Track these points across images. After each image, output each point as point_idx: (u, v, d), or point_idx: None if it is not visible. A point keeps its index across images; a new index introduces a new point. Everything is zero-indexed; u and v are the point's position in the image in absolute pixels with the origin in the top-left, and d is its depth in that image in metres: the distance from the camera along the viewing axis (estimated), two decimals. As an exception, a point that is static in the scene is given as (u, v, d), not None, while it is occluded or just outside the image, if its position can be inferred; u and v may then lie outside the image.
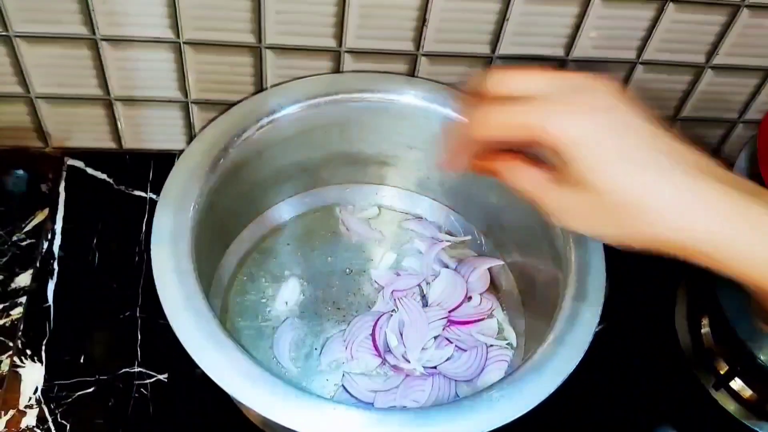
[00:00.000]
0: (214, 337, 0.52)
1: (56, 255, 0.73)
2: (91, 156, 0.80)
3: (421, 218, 0.79)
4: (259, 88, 0.74)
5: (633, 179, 0.40)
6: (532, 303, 0.69)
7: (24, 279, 0.71)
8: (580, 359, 0.54)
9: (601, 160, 0.41)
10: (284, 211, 0.76)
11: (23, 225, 0.75)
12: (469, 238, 0.77)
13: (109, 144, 0.81)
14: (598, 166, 0.41)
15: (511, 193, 0.67)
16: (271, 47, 0.71)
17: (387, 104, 0.70)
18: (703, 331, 0.75)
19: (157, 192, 0.60)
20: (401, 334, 0.68)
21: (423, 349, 0.68)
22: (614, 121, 0.42)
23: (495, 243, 0.76)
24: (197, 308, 0.54)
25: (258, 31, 0.69)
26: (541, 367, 0.53)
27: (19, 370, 0.65)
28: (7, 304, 0.69)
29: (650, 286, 0.79)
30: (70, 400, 0.64)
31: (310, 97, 0.68)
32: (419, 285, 0.73)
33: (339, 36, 0.71)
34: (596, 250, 0.61)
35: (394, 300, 0.71)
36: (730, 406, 0.71)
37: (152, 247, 0.56)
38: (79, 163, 0.80)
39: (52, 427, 0.63)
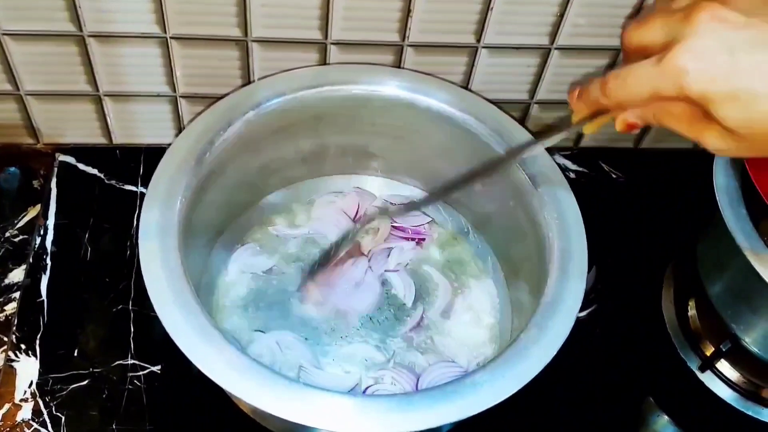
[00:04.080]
0: (202, 330, 0.53)
1: (49, 250, 0.74)
2: (82, 151, 0.81)
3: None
4: (247, 81, 0.75)
5: None
6: (517, 288, 0.70)
7: (17, 274, 0.72)
8: (562, 344, 0.54)
9: (751, 110, 0.39)
10: (273, 202, 0.77)
11: (16, 221, 0.76)
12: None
13: (99, 139, 0.81)
14: (750, 117, 0.39)
15: (495, 181, 0.68)
16: (258, 40, 0.72)
17: (372, 95, 0.70)
18: (689, 314, 0.76)
19: (148, 186, 0.60)
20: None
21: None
22: (748, 44, 0.39)
23: (481, 230, 0.76)
24: (185, 302, 0.54)
25: (244, 24, 0.70)
26: (525, 352, 0.54)
27: (14, 364, 0.66)
28: (1, 299, 0.70)
29: (638, 269, 0.80)
30: (64, 392, 0.65)
31: (295, 90, 0.68)
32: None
33: (324, 28, 0.71)
34: (579, 237, 0.62)
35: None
36: (717, 387, 0.72)
37: (140, 241, 0.57)
38: (70, 159, 0.81)
39: (48, 420, 0.64)
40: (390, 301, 0.72)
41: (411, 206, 0.75)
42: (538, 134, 0.54)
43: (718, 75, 0.38)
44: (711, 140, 0.41)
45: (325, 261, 0.71)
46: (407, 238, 0.77)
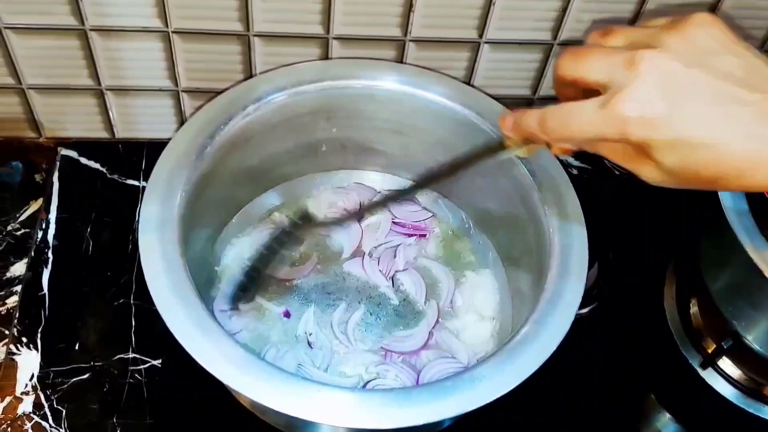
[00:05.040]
0: (202, 324, 0.53)
1: (51, 244, 0.74)
2: (84, 146, 0.81)
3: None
4: (248, 75, 0.75)
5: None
6: (517, 284, 0.70)
7: (19, 268, 0.72)
8: (561, 339, 0.54)
9: (688, 156, 0.40)
10: (273, 197, 0.77)
11: (18, 215, 0.76)
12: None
13: (101, 133, 0.81)
14: (686, 163, 0.40)
15: (496, 177, 0.68)
16: (259, 35, 0.72)
17: (372, 90, 0.71)
18: (691, 311, 0.76)
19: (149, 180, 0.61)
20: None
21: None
22: (688, 94, 0.40)
23: (482, 226, 0.76)
24: (185, 295, 0.54)
25: (246, 19, 0.70)
26: (524, 348, 0.54)
27: (15, 357, 0.66)
28: (2, 292, 0.70)
29: (640, 266, 0.80)
30: (65, 386, 0.65)
31: (296, 85, 0.69)
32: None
33: (326, 23, 0.71)
34: (580, 233, 0.62)
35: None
36: (718, 385, 0.72)
37: (140, 235, 0.57)
38: (73, 153, 0.81)
39: (48, 413, 0.64)
40: (385, 299, 0.72)
41: (393, 197, 0.74)
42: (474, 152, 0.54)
43: (659, 124, 0.39)
44: (645, 173, 0.43)
45: (254, 278, 0.67)
46: (408, 234, 0.77)
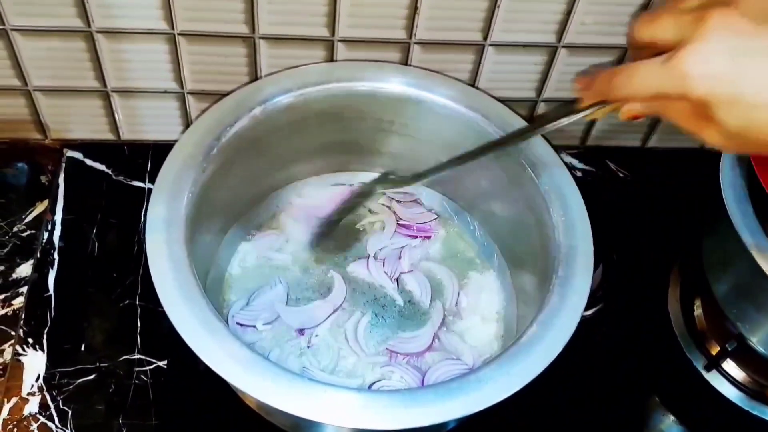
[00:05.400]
0: (208, 324, 0.53)
1: (56, 245, 0.74)
2: (90, 147, 0.82)
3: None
4: (254, 77, 0.75)
5: None
6: (522, 286, 0.70)
7: (25, 269, 0.72)
8: (566, 341, 0.54)
9: (749, 116, 0.40)
10: (279, 199, 0.77)
11: (24, 216, 0.76)
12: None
13: (107, 135, 0.82)
14: (748, 123, 0.40)
15: (501, 179, 0.68)
16: (265, 37, 0.72)
17: (378, 92, 0.71)
18: (695, 313, 0.76)
19: (155, 181, 0.61)
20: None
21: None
22: (753, 52, 0.39)
23: (487, 227, 0.76)
24: (191, 296, 0.55)
25: (251, 21, 0.70)
26: (529, 349, 0.54)
27: (22, 358, 0.67)
28: (8, 293, 0.71)
29: (644, 268, 0.80)
30: (71, 387, 0.66)
31: (302, 87, 0.69)
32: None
33: (332, 25, 0.71)
34: (585, 235, 0.62)
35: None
36: (723, 387, 0.72)
37: (147, 235, 0.57)
38: (78, 155, 0.81)
39: (54, 414, 0.64)
40: (390, 301, 0.72)
41: (411, 179, 0.72)
42: (539, 119, 0.54)
43: (720, 81, 0.39)
44: (709, 137, 0.43)
45: (328, 229, 0.73)
46: (413, 236, 0.77)
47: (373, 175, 0.79)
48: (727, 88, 0.39)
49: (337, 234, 0.74)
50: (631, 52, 0.47)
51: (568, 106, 0.51)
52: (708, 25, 0.40)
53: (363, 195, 0.75)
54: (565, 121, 0.52)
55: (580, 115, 0.50)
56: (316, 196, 0.78)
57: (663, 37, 0.42)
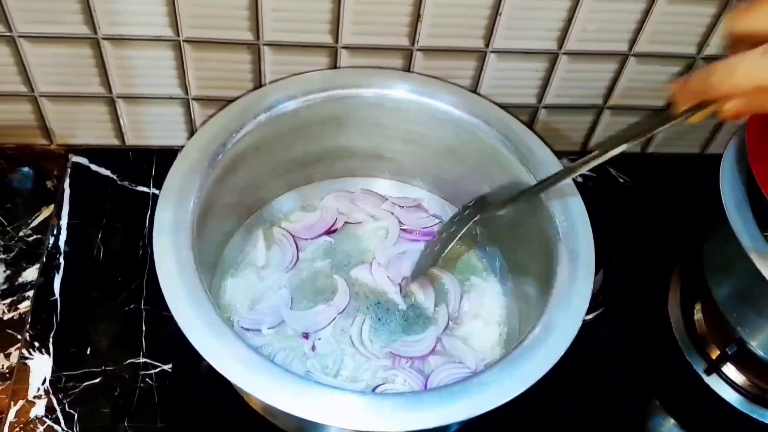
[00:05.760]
0: (215, 327, 0.54)
1: (62, 250, 0.75)
2: (95, 153, 0.82)
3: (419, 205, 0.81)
4: (258, 84, 0.76)
5: None
6: (524, 290, 0.70)
7: (31, 273, 0.73)
8: (569, 345, 0.55)
9: None
10: (283, 205, 0.78)
11: (29, 221, 0.77)
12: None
13: (112, 141, 0.82)
14: None
15: (504, 184, 0.68)
16: (269, 44, 0.73)
17: (381, 98, 0.71)
18: (696, 317, 0.76)
19: (160, 187, 0.61)
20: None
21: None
22: None
23: (489, 232, 0.77)
24: (198, 299, 0.55)
25: (256, 28, 0.71)
26: (531, 353, 0.54)
27: (28, 361, 0.67)
28: (15, 297, 0.71)
29: (644, 273, 0.80)
30: (77, 390, 0.66)
31: (306, 93, 0.69)
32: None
33: (335, 32, 0.72)
34: (586, 239, 0.62)
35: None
36: (723, 391, 0.72)
37: (154, 239, 0.58)
38: (84, 160, 0.82)
39: (60, 417, 0.64)
40: (393, 305, 0.73)
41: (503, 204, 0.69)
42: (630, 131, 0.52)
43: None
44: None
45: (433, 258, 0.72)
46: (416, 240, 0.77)
47: (375, 181, 0.80)
48: None
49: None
50: (729, 46, 0.45)
51: (661, 114, 0.49)
52: None
53: (460, 224, 0.71)
54: (663, 128, 0.51)
55: (679, 120, 0.48)
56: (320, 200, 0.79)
57: (762, 27, 0.42)
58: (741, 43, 0.43)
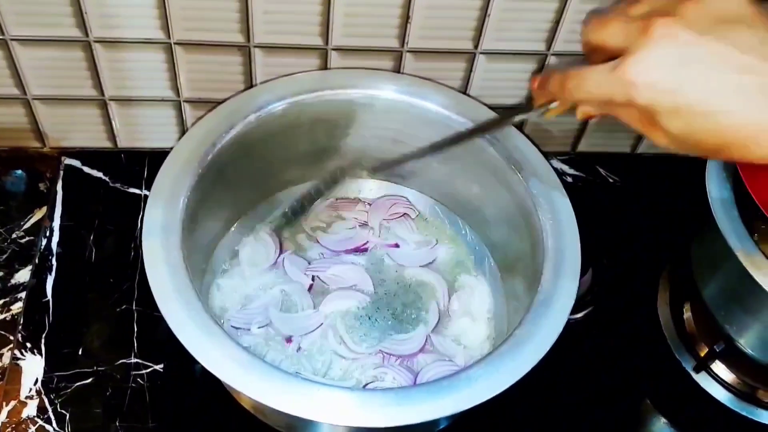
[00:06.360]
0: (204, 326, 0.54)
1: (54, 251, 0.75)
2: (88, 155, 0.83)
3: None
4: (249, 86, 0.77)
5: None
6: (513, 288, 0.70)
7: (23, 275, 0.73)
8: (554, 341, 0.55)
9: (691, 123, 0.41)
10: (274, 204, 0.78)
11: (22, 223, 0.77)
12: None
13: (104, 143, 0.83)
14: (690, 129, 0.42)
15: (492, 183, 0.69)
16: (260, 46, 0.73)
17: (371, 99, 0.72)
18: (685, 316, 0.77)
19: (152, 186, 0.62)
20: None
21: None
22: (695, 62, 0.41)
23: (478, 231, 0.77)
24: (187, 299, 0.55)
25: (246, 30, 0.71)
26: (518, 349, 0.55)
27: (20, 362, 0.67)
28: (7, 299, 0.71)
29: (634, 272, 0.81)
30: (69, 390, 0.66)
31: (296, 94, 0.70)
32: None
33: (325, 34, 0.73)
34: (572, 237, 0.63)
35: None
36: (712, 389, 0.72)
37: (143, 240, 0.58)
38: (76, 162, 0.82)
39: (52, 417, 0.65)
40: (383, 303, 0.73)
41: (385, 165, 0.72)
42: (504, 112, 0.56)
43: (662, 90, 0.41)
44: (657, 139, 0.44)
45: (297, 212, 0.72)
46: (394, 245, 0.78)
47: (365, 182, 0.81)
48: (669, 97, 0.41)
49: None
50: (585, 52, 0.48)
51: (525, 104, 0.53)
52: (651, 34, 0.41)
53: (332, 181, 0.72)
54: (522, 116, 0.55)
55: (534, 113, 0.52)
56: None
57: (612, 42, 0.44)
58: (595, 52, 0.46)
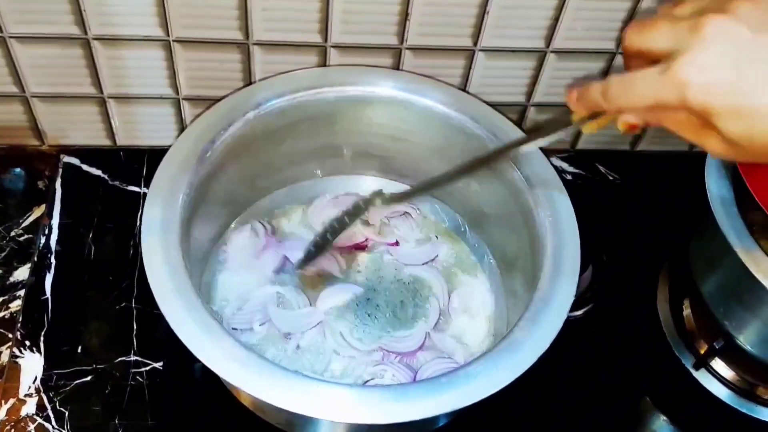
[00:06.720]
0: (204, 323, 0.54)
1: (53, 249, 0.75)
2: (86, 153, 0.83)
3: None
4: (248, 83, 0.77)
5: None
6: (512, 285, 0.71)
7: (22, 273, 0.73)
8: (553, 338, 0.55)
9: (752, 125, 0.39)
10: (272, 202, 0.78)
11: (21, 221, 0.77)
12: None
13: (103, 141, 0.83)
14: (751, 132, 0.39)
15: (491, 181, 0.69)
16: (259, 44, 0.73)
17: (370, 96, 0.72)
18: (684, 313, 0.77)
19: (150, 183, 0.62)
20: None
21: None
22: (753, 60, 0.38)
23: (477, 229, 0.77)
24: (186, 295, 0.55)
25: (245, 28, 0.71)
26: (518, 345, 0.55)
27: (19, 360, 0.67)
28: (6, 297, 0.71)
29: (633, 269, 0.81)
30: (68, 388, 0.66)
31: (294, 91, 0.70)
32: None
33: (324, 31, 0.73)
34: (572, 235, 0.63)
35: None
36: (712, 386, 0.73)
37: (142, 237, 0.58)
38: (75, 160, 0.82)
39: (51, 415, 0.65)
40: (383, 300, 0.73)
41: (406, 195, 0.70)
42: (533, 132, 0.54)
43: (720, 90, 0.38)
44: (710, 146, 0.42)
45: (320, 246, 0.69)
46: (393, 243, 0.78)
47: (365, 179, 0.81)
48: (729, 98, 0.38)
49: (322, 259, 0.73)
50: (625, 59, 0.46)
51: (562, 118, 0.50)
52: (705, 32, 0.39)
53: (353, 214, 0.68)
54: (559, 134, 0.51)
55: (573, 128, 0.49)
56: (310, 199, 0.80)
57: (658, 46, 0.42)
58: (636, 58, 0.44)
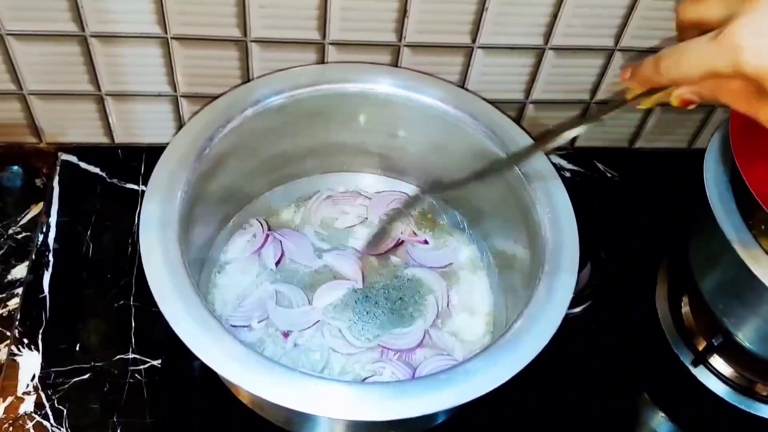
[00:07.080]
0: (202, 321, 0.54)
1: (51, 247, 0.75)
2: (84, 151, 0.82)
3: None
4: (246, 80, 0.76)
5: None
6: (511, 282, 0.71)
7: (20, 271, 0.73)
8: (552, 334, 0.55)
9: None
10: (271, 199, 0.78)
11: (19, 219, 0.77)
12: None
13: (101, 139, 0.82)
14: None
15: (491, 179, 0.69)
16: (257, 41, 0.73)
17: (368, 94, 0.72)
18: (683, 310, 0.77)
19: (149, 180, 0.62)
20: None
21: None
22: None
23: (476, 226, 0.77)
24: (185, 292, 0.55)
25: (243, 25, 0.71)
26: (516, 342, 0.55)
27: (17, 358, 0.67)
28: (4, 295, 0.71)
29: (632, 266, 0.81)
30: (66, 386, 0.66)
31: (293, 88, 0.70)
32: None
33: (322, 28, 0.72)
34: (570, 231, 0.63)
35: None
36: (711, 383, 0.73)
37: (140, 234, 0.58)
38: (73, 158, 0.82)
39: (50, 413, 0.65)
40: (382, 298, 0.73)
41: (438, 189, 0.75)
42: (591, 114, 0.52)
43: None
44: (766, 116, 0.41)
45: (377, 238, 0.74)
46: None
47: (363, 176, 0.81)
48: None
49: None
50: (678, 34, 0.45)
51: (615, 99, 0.49)
52: None
53: (409, 205, 0.77)
54: (614, 113, 0.50)
55: (629, 105, 0.48)
56: (308, 196, 0.80)
57: (710, 15, 0.41)
58: (690, 30, 0.43)
